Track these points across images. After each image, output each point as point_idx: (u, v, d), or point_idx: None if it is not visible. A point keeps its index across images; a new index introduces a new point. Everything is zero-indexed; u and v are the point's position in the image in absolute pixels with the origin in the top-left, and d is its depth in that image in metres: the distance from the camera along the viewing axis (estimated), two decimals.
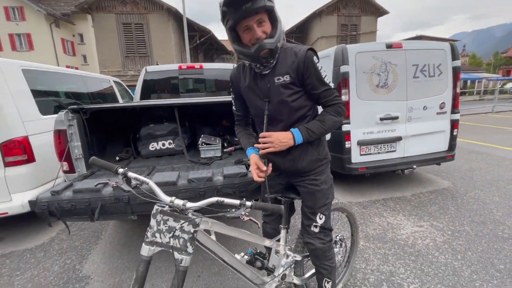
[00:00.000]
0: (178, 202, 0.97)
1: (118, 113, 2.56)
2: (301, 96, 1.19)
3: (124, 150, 2.48)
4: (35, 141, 2.53)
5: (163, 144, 2.42)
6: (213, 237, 1.11)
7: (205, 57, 20.26)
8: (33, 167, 2.52)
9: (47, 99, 3.00)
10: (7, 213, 2.38)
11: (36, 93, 2.76)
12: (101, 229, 2.79)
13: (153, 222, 0.98)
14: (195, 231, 0.96)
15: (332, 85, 1.20)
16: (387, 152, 3.24)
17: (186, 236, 0.95)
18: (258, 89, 1.23)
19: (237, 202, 0.95)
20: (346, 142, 3.06)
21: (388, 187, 3.60)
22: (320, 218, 1.33)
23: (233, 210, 0.98)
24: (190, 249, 0.96)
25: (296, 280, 1.50)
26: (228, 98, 2.33)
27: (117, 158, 2.35)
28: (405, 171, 3.27)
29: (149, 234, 0.99)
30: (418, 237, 2.40)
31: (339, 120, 1.22)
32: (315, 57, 1.15)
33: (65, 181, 1.94)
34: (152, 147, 2.41)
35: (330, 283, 1.40)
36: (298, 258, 1.46)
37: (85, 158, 2.07)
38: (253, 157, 1.27)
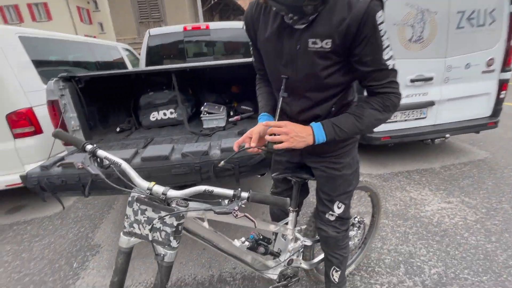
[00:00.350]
0: (157, 189, 0.81)
1: (118, 81, 2.40)
2: (339, 69, 0.85)
3: (126, 121, 2.38)
4: (40, 112, 2.49)
5: (164, 114, 2.27)
6: (206, 224, 0.97)
7: (221, 18, 19.19)
8: (41, 138, 2.52)
9: (50, 69, 2.90)
10: (21, 183, 2.45)
11: (38, 63, 2.66)
12: (114, 198, 2.84)
13: (129, 211, 0.84)
14: (179, 224, 0.82)
15: (392, 63, 0.82)
16: (415, 119, 2.85)
17: (168, 230, 0.81)
18: (281, 48, 0.88)
19: (230, 192, 0.77)
20: None
21: (413, 157, 3.25)
22: (339, 208, 1.12)
23: (226, 202, 0.80)
24: (174, 244, 0.83)
25: (304, 265, 1.37)
26: (236, 60, 2.06)
27: (118, 130, 2.25)
28: (436, 140, 2.88)
29: (126, 224, 0.86)
30: (445, 214, 2.15)
31: (384, 118, 0.88)
32: (379, 14, 0.74)
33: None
34: (153, 117, 2.27)
35: (339, 272, 1.25)
36: (308, 243, 1.31)
37: (84, 129, 1.98)
38: (258, 126, 0.93)
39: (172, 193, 0.81)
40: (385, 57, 0.80)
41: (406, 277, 1.60)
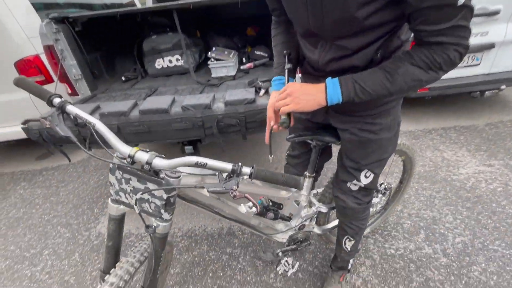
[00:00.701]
0: (141, 156, 0.67)
1: (120, 24, 2.17)
2: (384, 5, 0.58)
3: (132, 69, 2.22)
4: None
5: (170, 61, 2.06)
6: (205, 191, 0.87)
7: None
8: (53, 87, 2.48)
9: (54, 11, 2.70)
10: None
11: (40, 5, 2.47)
12: None
13: (112, 178, 0.74)
14: (170, 197, 0.71)
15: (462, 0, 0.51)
16: (465, 66, 2.37)
17: (158, 202, 0.71)
18: None
19: (228, 166, 0.62)
20: None
21: (453, 113, 2.84)
22: (366, 177, 0.93)
23: (225, 176, 0.64)
24: (166, 216, 0.74)
25: (317, 230, 1.28)
26: None
27: (123, 79, 2.12)
28: (486, 93, 2.44)
29: (112, 191, 0.77)
30: (482, 179, 1.90)
31: (429, 79, 0.62)
32: None
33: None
34: (158, 65, 2.08)
35: (353, 242, 1.14)
36: (324, 209, 1.19)
37: (87, 79, 1.88)
38: (271, 98, 0.83)
39: (158, 162, 0.67)
40: None
41: (426, 243, 1.49)
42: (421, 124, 2.70)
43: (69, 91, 1.84)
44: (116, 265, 0.81)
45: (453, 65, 0.59)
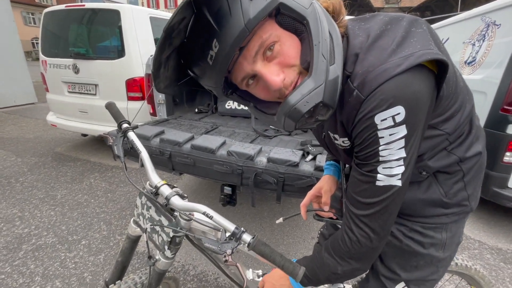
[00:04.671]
0: (164, 191, 0.71)
1: None
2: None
3: (206, 103, 2.49)
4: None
5: (238, 104, 2.23)
6: None
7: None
8: (144, 104, 2.98)
9: None
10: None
11: (156, 40, 3.13)
12: None
13: (138, 201, 0.81)
14: (176, 236, 0.73)
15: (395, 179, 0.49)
16: None
17: (164, 237, 0.74)
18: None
19: (231, 227, 0.60)
20: (507, 154, 1.86)
21: None
22: None
23: (226, 236, 0.63)
24: (168, 253, 0.75)
25: None
26: None
27: (196, 110, 2.38)
28: None
29: (135, 213, 0.84)
30: None
31: (332, 265, 0.61)
32: (378, 117, 0.46)
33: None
34: (228, 105, 2.27)
35: None
36: None
37: (167, 105, 2.18)
38: (325, 183, 0.87)
39: (174, 200, 0.70)
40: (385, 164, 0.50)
41: None
42: None
43: (151, 111, 2.16)
44: (120, 280, 0.86)
45: (355, 254, 0.57)
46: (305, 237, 2.03)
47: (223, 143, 1.47)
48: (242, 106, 2.24)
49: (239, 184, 1.37)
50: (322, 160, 1.25)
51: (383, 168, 0.50)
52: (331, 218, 0.88)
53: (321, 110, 0.48)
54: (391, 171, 0.49)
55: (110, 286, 0.84)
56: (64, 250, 1.82)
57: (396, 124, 0.46)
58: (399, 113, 0.45)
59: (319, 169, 1.21)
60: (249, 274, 0.86)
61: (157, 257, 0.78)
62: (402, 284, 0.72)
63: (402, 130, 0.46)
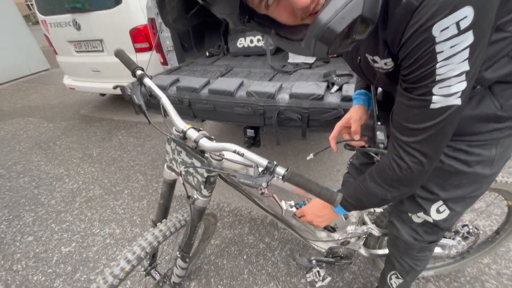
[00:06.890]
0: (191, 134, 0.72)
1: None
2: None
3: (217, 45, 2.32)
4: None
5: (251, 41, 2.05)
6: None
7: None
8: (153, 55, 2.85)
9: None
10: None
11: None
12: None
13: (168, 148, 0.84)
14: (210, 176, 0.77)
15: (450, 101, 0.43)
16: None
17: (199, 178, 0.78)
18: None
19: (263, 162, 0.60)
20: None
21: None
22: (439, 212, 0.72)
23: (258, 170, 0.62)
24: (205, 192, 0.81)
25: (363, 251, 1.14)
26: None
27: (207, 54, 2.24)
28: None
29: (167, 158, 0.87)
30: None
31: (392, 196, 0.60)
32: (437, 27, 0.36)
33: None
34: (240, 44, 2.10)
35: (401, 281, 0.96)
36: (376, 233, 1.05)
37: (177, 51, 2.06)
38: (355, 112, 0.84)
39: (203, 142, 0.71)
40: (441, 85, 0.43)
41: None
42: None
43: (162, 60, 2.07)
44: (165, 219, 0.94)
45: (402, 181, 0.57)
46: (331, 171, 2.08)
47: (241, 84, 1.41)
48: (255, 43, 2.07)
49: (262, 124, 1.35)
50: (349, 89, 1.17)
51: (439, 88, 0.43)
52: (362, 146, 0.85)
53: (359, 27, 0.40)
54: (449, 90, 0.42)
55: (158, 224, 0.93)
56: (111, 200, 2.03)
57: (461, 32, 0.37)
58: (465, 17, 0.36)
59: (346, 99, 1.14)
60: (283, 205, 0.90)
61: (195, 196, 0.84)
62: (440, 202, 0.72)
63: (468, 38, 0.38)
